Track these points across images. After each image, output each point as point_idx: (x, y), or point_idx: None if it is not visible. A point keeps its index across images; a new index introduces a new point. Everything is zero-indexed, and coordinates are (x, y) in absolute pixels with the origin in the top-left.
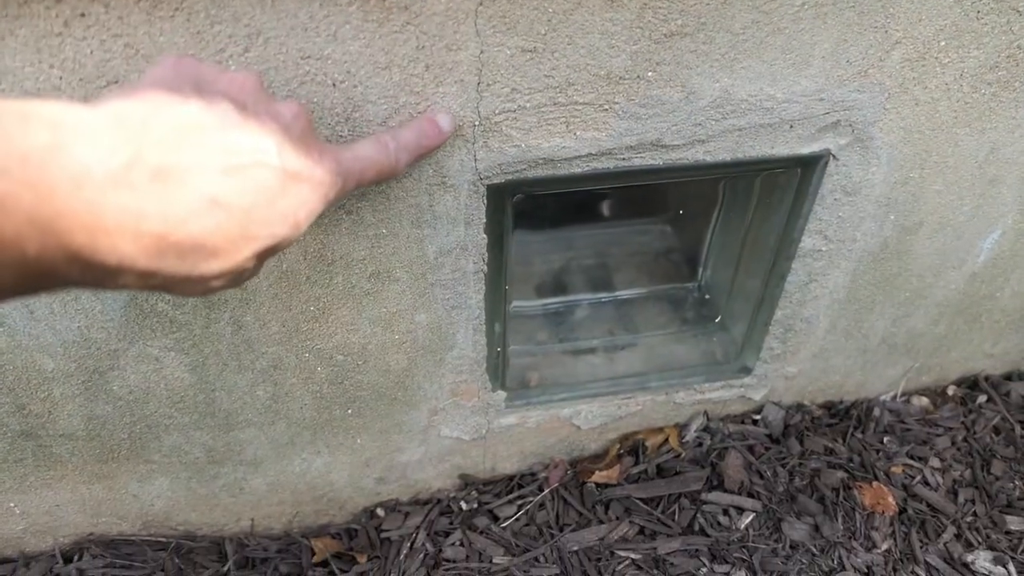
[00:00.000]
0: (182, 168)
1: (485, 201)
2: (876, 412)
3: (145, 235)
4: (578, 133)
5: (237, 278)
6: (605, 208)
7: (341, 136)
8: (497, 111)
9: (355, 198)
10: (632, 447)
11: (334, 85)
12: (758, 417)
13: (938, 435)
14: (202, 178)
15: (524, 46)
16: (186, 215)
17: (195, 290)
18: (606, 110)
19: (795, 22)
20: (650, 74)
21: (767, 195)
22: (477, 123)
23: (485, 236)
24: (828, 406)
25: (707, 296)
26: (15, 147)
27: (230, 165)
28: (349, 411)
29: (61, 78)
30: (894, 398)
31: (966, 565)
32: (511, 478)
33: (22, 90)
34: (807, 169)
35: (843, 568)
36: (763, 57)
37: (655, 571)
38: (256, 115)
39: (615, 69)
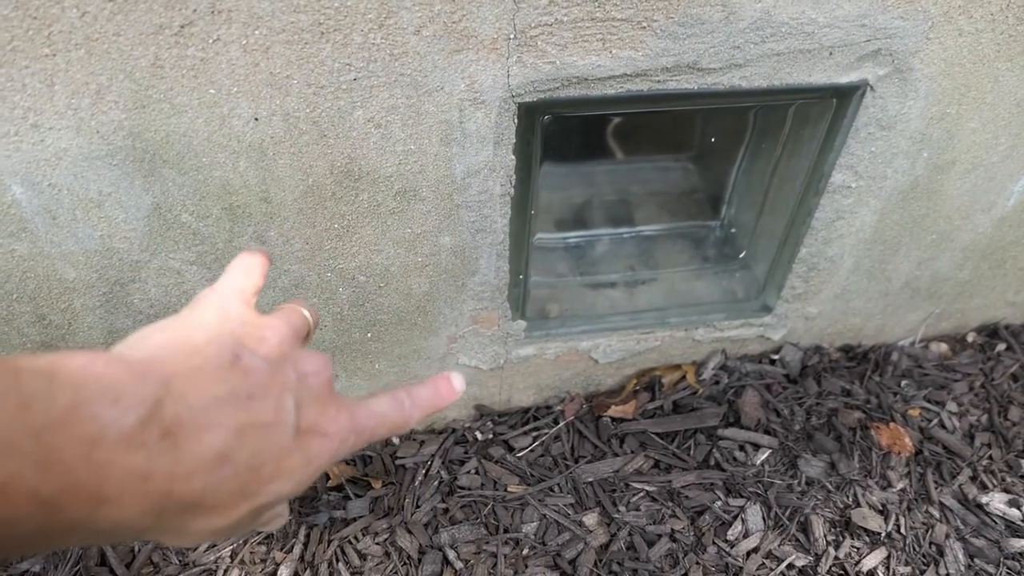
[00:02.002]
0: (197, 426)
1: (516, 120)
2: (894, 356)
3: (148, 495)
4: (614, 51)
5: (228, 532)
6: (628, 143)
7: (374, 43)
8: (533, 24)
9: (385, 110)
10: (648, 383)
11: None
12: (776, 357)
13: (956, 380)
14: (215, 436)
15: None
16: (192, 472)
17: (186, 542)
18: (644, 27)
19: None
20: None
21: (799, 127)
22: (512, 36)
23: (514, 158)
24: (846, 349)
25: (731, 232)
26: (34, 420)
27: (247, 424)
28: (369, 335)
29: None
30: (913, 343)
31: (980, 506)
32: (526, 410)
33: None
34: (843, 100)
35: (858, 505)
36: None
37: (670, 503)
38: (282, 371)
39: None
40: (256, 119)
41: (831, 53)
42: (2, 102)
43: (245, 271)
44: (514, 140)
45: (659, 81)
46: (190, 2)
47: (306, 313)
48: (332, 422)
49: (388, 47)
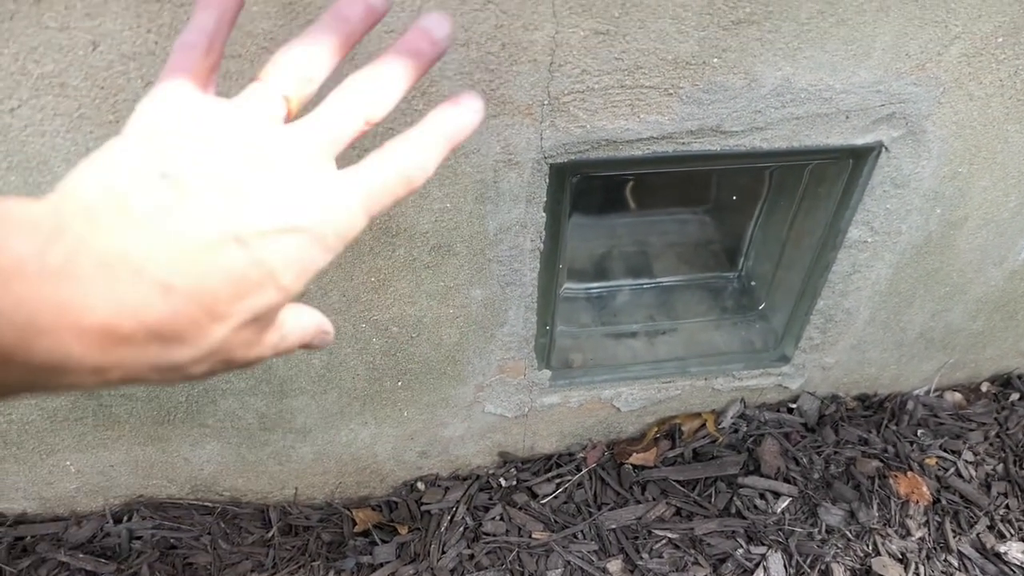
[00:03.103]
0: (133, 256)
1: (547, 180)
2: (910, 405)
3: (89, 330)
4: (642, 116)
5: (225, 358)
6: (648, 198)
7: (417, 110)
8: (566, 91)
9: None
10: (669, 431)
11: None
12: (794, 406)
13: (971, 430)
14: (156, 266)
15: (597, 28)
16: (137, 304)
17: (172, 378)
18: (670, 94)
19: (859, 14)
20: (715, 60)
21: (816, 185)
22: (546, 102)
23: (544, 215)
24: (862, 398)
25: (749, 284)
26: None
27: (185, 245)
28: (399, 383)
29: (156, 43)
30: (928, 392)
31: (998, 555)
32: (549, 457)
33: (119, 53)
34: (859, 160)
35: (878, 553)
36: (825, 47)
37: (692, 550)
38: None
39: (682, 54)
40: None
41: (847, 117)
42: (66, 164)
43: (194, 49)
44: (545, 198)
45: (684, 143)
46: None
47: (282, 84)
48: (303, 213)
49: None
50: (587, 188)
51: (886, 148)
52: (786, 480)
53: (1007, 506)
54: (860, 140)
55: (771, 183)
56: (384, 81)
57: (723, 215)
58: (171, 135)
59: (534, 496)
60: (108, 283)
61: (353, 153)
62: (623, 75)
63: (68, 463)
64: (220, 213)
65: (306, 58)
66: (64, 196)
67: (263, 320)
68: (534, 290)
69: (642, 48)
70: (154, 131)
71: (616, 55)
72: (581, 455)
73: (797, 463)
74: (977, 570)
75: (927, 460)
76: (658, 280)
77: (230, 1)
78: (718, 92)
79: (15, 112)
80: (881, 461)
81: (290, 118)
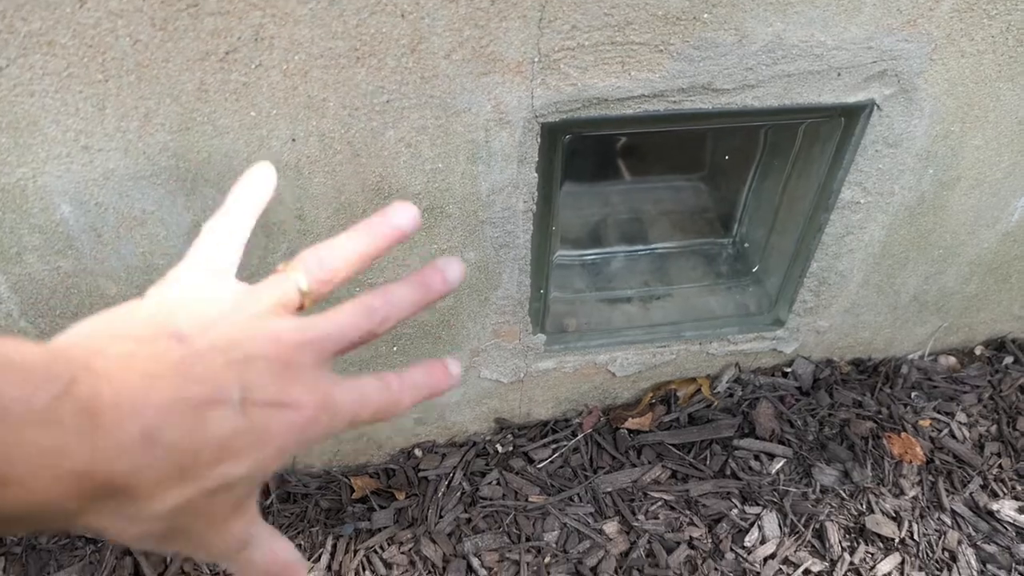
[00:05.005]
0: (118, 404)
1: (539, 140)
2: (904, 369)
3: (65, 476)
4: (632, 73)
5: (184, 524)
6: (642, 164)
7: (406, 67)
8: (557, 48)
9: (415, 131)
10: (664, 396)
11: (402, 16)
12: (788, 371)
13: (965, 392)
14: (139, 414)
15: None
16: (114, 452)
17: (128, 532)
18: (661, 51)
19: None
20: (706, 16)
21: (809, 146)
22: (537, 60)
23: (536, 175)
24: (856, 363)
25: (743, 248)
26: None
27: (177, 401)
28: (395, 348)
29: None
30: (922, 357)
31: (991, 513)
32: (545, 423)
33: (107, 10)
34: (851, 119)
35: (872, 512)
36: (816, 2)
37: (687, 511)
38: (232, 350)
39: (672, 9)
40: (293, 140)
41: (839, 74)
42: (56, 125)
43: (220, 233)
44: (537, 158)
45: (675, 101)
46: (235, 30)
47: (301, 279)
48: (297, 398)
49: (419, 70)
50: (580, 151)
51: (878, 106)
52: (781, 442)
53: (1000, 466)
54: (852, 98)
55: (765, 144)
56: (394, 303)
57: (717, 181)
58: (188, 303)
59: (530, 461)
60: (90, 431)
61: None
62: (613, 31)
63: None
64: (222, 376)
65: (329, 262)
66: (69, 341)
67: (233, 496)
68: (527, 253)
69: (632, 3)
70: (171, 298)
71: (606, 10)
72: (577, 421)
73: (792, 425)
74: (970, 528)
75: (921, 422)
76: (652, 246)
77: (259, 195)
78: (709, 48)
79: (3, 71)
80: (875, 423)
81: (302, 311)
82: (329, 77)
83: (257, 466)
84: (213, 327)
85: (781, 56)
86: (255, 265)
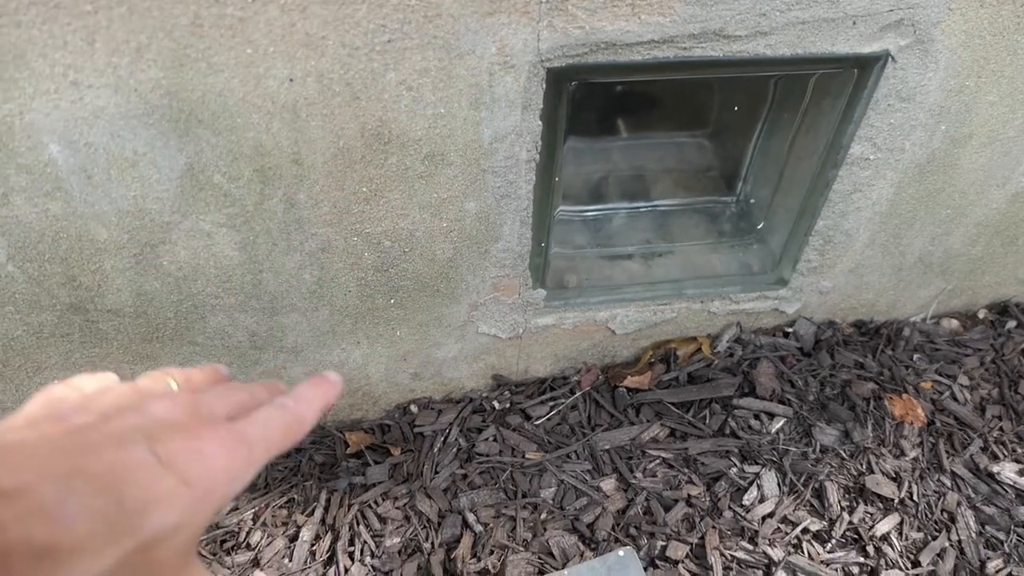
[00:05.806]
0: (19, 480)
1: (544, 85)
2: (906, 332)
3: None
4: (643, 17)
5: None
6: (646, 120)
7: (409, 5)
8: None
9: (417, 73)
10: (664, 355)
11: None
12: (790, 331)
13: (967, 355)
14: (44, 484)
15: None
16: (29, 520)
17: None
18: None
19: None
20: None
21: (819, 99)
22: (544, 0)
23: (540, 123)
24: (859, 324)
25: (747, 206)
26: None
27: (81, 465)
28: (392, 300)
29: None
30: (924, 319)
31: (991, 475)
32: (543, 380)
33: None
34: (864, 70)
35: (872, 472)
36: None
37: (686, 469)
38: (120, 417)
39: None
40: (291, 80)
41: (855, 22)
42: (43, 59)
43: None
44: (541, 106)
45: (685, 48)
46: None
47: (171, 381)
48: (208, 439)
49: (423, 8)
50: (584, 104)
51: (892, 58)
52: (781, 402)
53: (1001, 428)
54: (866, 48)
55: (773, 99)
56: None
57: (722, 137)
58: (101, 392)
59: (527, 418)
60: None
61: None
62: None
63: (55, 381)
64: (135, 429)
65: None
66: (11, 416)
67: (172, 549)
68: (529, 204)
69: None
70: (91, 392)
71: None
72: (575, 378)
73: (792, 385)
74: (970, 489)
75: (922, 384)
76: (655, 203)
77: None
78: None
79: None
80: (876, 384)
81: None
82: (328, 13)
83: (192, 510)
84: (94, 403)
85: (795, 2)
86: (250, 212)
